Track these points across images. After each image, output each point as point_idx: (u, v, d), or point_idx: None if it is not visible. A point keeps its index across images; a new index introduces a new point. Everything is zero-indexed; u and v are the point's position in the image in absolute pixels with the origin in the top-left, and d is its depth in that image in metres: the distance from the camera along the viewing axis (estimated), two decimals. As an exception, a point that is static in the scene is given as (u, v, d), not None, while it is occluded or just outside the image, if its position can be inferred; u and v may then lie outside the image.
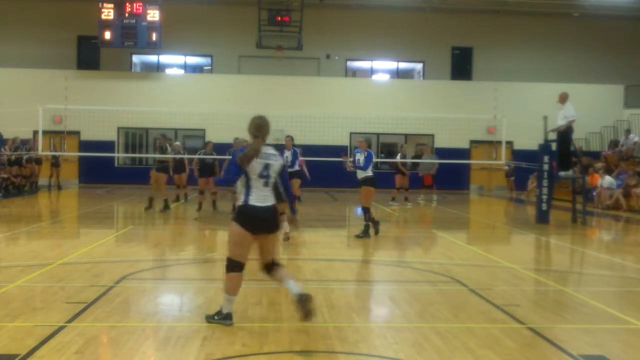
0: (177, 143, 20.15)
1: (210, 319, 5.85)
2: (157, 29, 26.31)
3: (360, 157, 12.02)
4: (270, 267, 5.91)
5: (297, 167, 13.91)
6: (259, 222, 5.72)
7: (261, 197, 5.73)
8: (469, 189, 28.30)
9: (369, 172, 11.98)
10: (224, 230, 13.85)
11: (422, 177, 21.61)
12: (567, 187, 18.98)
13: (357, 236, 11.92)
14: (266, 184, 5.77)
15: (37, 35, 27.88)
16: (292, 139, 14.00)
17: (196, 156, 17.43)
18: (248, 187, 5.74)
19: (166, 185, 16.80)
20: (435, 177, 21.72)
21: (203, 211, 16.04)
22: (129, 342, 5.20)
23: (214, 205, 16.79)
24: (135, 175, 25.32)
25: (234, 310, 5.80)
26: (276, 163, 5.86)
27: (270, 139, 6.08)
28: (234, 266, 5.75)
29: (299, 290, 5.64)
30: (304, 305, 5.53)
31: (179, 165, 18.17)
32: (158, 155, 16.94)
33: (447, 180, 25.60)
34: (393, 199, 20.16)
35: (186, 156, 18.59)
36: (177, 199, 18.73)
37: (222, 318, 5.79)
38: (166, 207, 16.38)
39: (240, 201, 5.80)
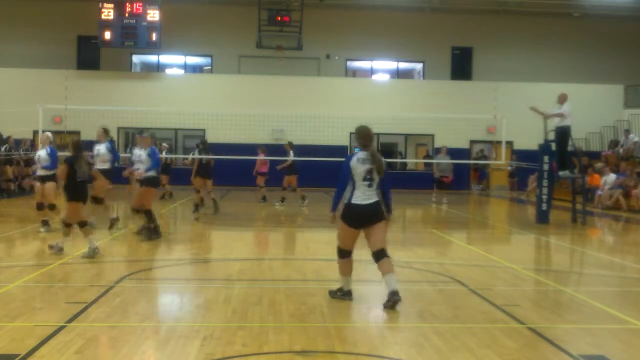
0: (164, 144, 20.62)
1: (333, 294, 6.81)
2: (157, 29, 26.32)
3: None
4: (377, 255, 6.62)
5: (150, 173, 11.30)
6: (361, 217, 6.55)
7: (364, 196, 6.53)
8: (469, 189, 28.31)
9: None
10: (224, 230, 13.88)
11: (439, 178, 21.82)
12: (567, 187, 18.98)
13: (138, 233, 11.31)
14: (370, 186, 6.56)
15: (37, 35, 27.86)
16: (151, 136, 12.15)
17: (190, 156, 17.44)
18: (353, 189, 6.57)
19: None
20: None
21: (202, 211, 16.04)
22: (129, 342, 5.20)
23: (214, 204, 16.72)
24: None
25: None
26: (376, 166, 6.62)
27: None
28: (344, 253, 6.75)
29: (393, 288, 6.41)
30: (391, 301, 6.37)
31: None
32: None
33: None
34: (282, 200, 18.78)
35: (184, 156, 19.01)
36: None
37: (343, 294, 6.75)
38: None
39: (345, 200, 6.60)
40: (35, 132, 21.32)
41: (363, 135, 6.66)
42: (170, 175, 20.38)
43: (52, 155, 11.77)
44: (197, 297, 6.99)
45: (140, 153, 11.44)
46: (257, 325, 5.79)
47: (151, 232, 11.08)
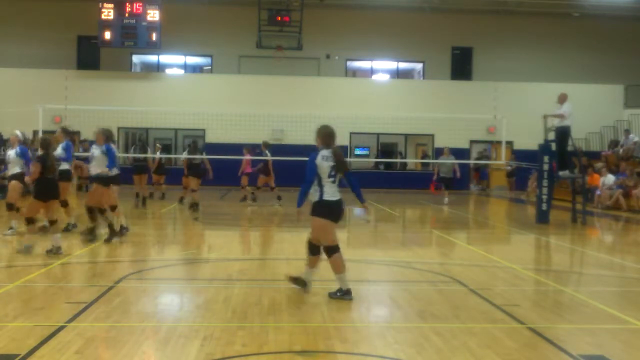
0: (158, 144, 21.20)
1: (333, 295, 6.80)
2: (157, 29, 26.32)
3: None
4: (334, 249, 6.87)
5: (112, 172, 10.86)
6: (337, 212, 6.87)
7: (332, 192, 6.83)
8: (469, 189, 28.31)
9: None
10: (223, 230, 13.88)
11: (440, 179, 21.71)
12: (567, 187, 18.98)
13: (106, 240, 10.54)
14: (334, 182, 6.87)
15: (37, 35, 27.88)
16: (103, 133, 10.88)
17: (183, 156, 18.03)
18: (321, 186, 6.82)
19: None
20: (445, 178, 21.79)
21: (201, 211, 16.09)
22: (129, 342, 5.20)
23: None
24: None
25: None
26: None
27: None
28: (334, 249, 6.84)
29: (348, 286, 6.80)
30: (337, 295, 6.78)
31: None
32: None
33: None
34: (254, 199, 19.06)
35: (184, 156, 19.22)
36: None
37: (343, 294, 6.77)
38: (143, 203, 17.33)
39: (315, 198, 6.81)
40: (36, 132, 21.34)
41: (326, 134, 6.97)
42: (166, 175, 20.42)
43: (24, 155, 11.34)
44: (197, 297, 6.99)
45: (94, 151, 10.81)
46: (257, 325, 5.79)
47: (90, 233, 10.59)
